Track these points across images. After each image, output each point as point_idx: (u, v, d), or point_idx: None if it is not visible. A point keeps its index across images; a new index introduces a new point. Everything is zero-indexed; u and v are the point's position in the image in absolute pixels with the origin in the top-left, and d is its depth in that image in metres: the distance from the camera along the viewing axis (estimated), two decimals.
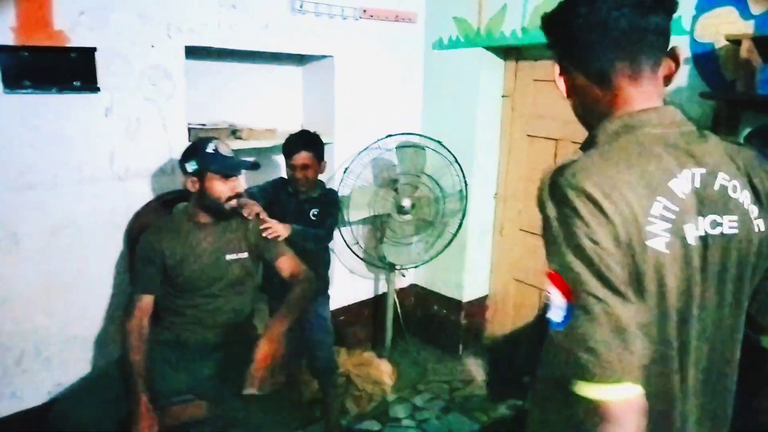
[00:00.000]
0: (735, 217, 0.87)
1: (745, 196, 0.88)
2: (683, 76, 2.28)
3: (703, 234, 0.85)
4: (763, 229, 0.89)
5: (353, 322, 3.20)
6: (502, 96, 3.20)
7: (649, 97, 0.89)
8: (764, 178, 0.92)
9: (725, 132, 2.17)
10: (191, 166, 1.95)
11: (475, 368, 3.19)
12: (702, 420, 0.92)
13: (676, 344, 0.86)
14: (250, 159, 2.06)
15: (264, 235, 2.09)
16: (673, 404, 0.88)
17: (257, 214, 2.14)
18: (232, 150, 2.03)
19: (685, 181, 0.85)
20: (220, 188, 1.96)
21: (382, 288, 3.24)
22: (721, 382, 0.94)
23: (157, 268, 1.97)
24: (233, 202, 2.00)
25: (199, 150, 1.95)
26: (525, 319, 3.21)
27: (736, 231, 0.87)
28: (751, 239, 0.88)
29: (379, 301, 3.22)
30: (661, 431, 0.87)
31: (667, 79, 0.93)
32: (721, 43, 2.12)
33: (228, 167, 1.97)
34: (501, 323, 3.37)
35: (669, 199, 0.83)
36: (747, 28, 2.06)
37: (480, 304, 3.38)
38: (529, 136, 3.15)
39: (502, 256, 3.35)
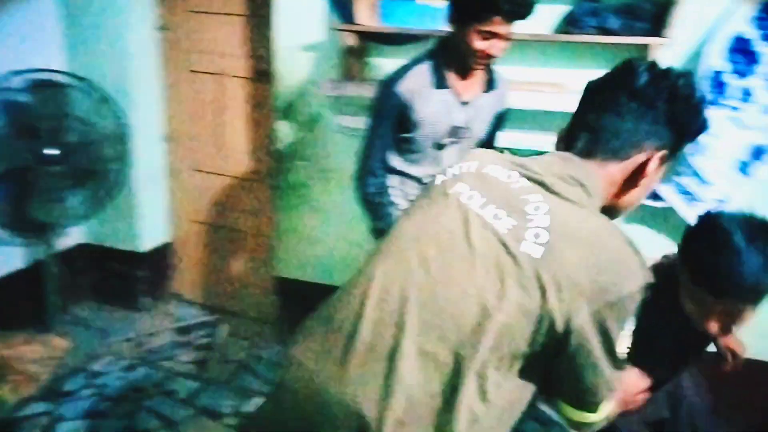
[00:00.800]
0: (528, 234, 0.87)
1: (539, 237, 0.85)
2: (322, 13, 2.40)
3: (492, 222, 0.89)
4: (537, 256, 0.84)
5: (4, 300, 2.72)
6: (159, 29, 2.96)
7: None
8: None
9: (355, 60, 2.37)
10: None
11: (162, 319, 3.05)
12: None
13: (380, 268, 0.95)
14: None
15: None
16: (355, 321, 0.92)
17: None
18: None
19: (501, 172, 0.95)
20: None
21: (41, 254, 2.81)
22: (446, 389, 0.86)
23: None
24: None
25: None
26: (216, 259, 3.17)
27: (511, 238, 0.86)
28: (517, 259, 0.84)
29: (38, 269, 2.79)
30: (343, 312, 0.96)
31: (629, 178, 0.94)
32: None
33: None
34: (190, 267, 3.27)
35: (477, 163, 0.98)
36: None
37: (163, 252, 3.21)
38: (192, 72, 3.00)
39: (180, 200, 3.20)
